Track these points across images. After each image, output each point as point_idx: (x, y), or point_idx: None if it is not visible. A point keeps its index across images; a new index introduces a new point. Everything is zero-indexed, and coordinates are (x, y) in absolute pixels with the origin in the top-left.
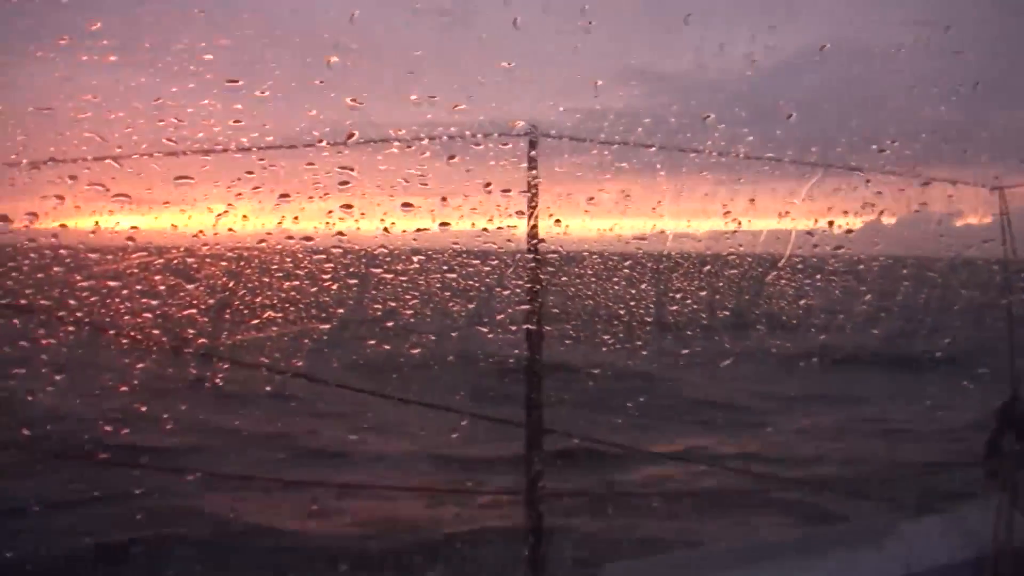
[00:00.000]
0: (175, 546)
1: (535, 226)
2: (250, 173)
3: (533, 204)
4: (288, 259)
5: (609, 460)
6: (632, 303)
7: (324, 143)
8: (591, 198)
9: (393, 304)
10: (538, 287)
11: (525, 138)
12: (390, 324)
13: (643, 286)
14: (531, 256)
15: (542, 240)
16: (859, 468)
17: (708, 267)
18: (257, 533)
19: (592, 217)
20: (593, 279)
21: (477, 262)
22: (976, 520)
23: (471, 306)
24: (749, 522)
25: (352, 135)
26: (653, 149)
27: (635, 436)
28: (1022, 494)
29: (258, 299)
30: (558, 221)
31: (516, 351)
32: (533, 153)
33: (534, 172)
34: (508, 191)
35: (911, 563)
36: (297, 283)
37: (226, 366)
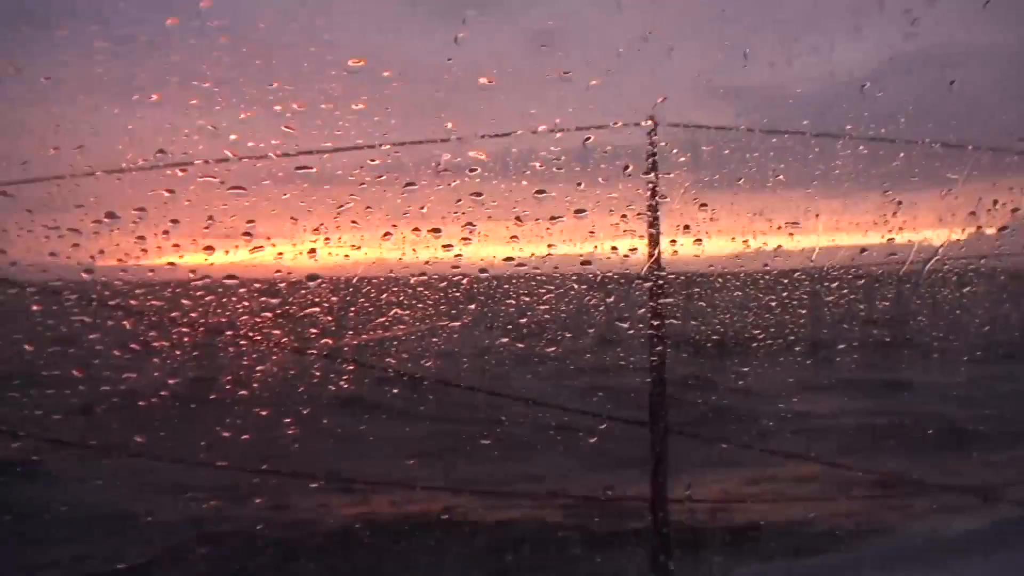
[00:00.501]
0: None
1: (656, 219)
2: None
3: (654, 202)
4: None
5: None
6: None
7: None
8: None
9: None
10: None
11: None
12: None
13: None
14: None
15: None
16: None
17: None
18: (383, 536)
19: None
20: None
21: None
22: None
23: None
24: None
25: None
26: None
27: None
28: None
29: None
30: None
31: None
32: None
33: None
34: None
35: None
36: (424, 278)
37: (351, 367)
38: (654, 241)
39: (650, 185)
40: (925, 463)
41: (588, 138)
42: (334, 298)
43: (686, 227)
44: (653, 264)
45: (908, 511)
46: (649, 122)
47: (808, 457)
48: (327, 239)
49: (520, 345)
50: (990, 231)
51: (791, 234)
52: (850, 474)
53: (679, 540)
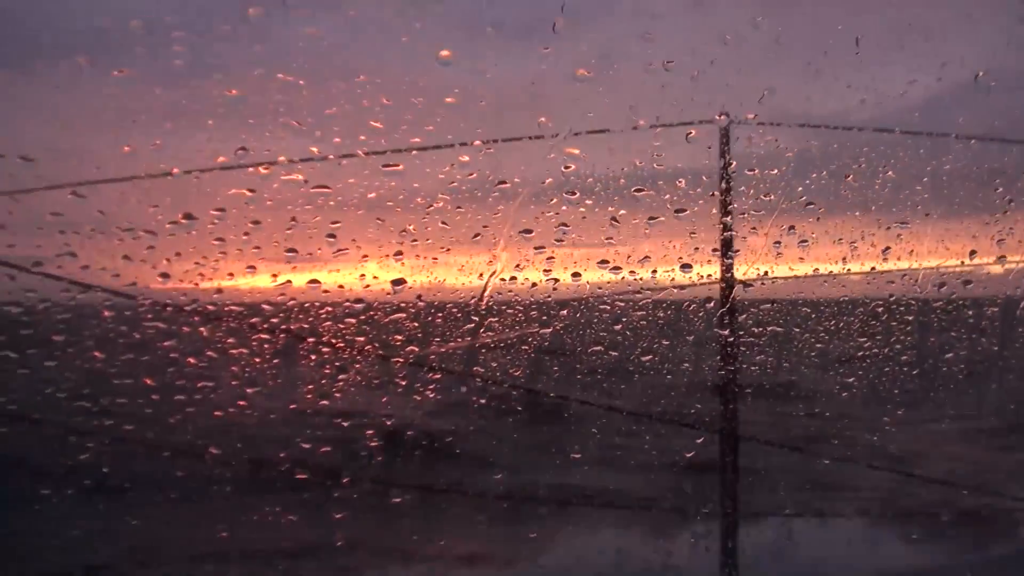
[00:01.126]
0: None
1: (729, 225)
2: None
3: (727, 201)
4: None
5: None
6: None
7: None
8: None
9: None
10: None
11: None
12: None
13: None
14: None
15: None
16: None
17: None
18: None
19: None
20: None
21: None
22: None
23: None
24: None
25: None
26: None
27: None
28: None
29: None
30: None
31: None
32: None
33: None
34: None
35: None
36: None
37: (437, 376)
38: (727, 245)
39: (723, 186)
40: None
41: (689, 132)
42: (421, 303)
43: (791, 227)
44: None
45: None
46: (723, 118)
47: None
48: (415, 240)
49: (614, 353)
50: None
51: (899, 235)
52: None
53: None
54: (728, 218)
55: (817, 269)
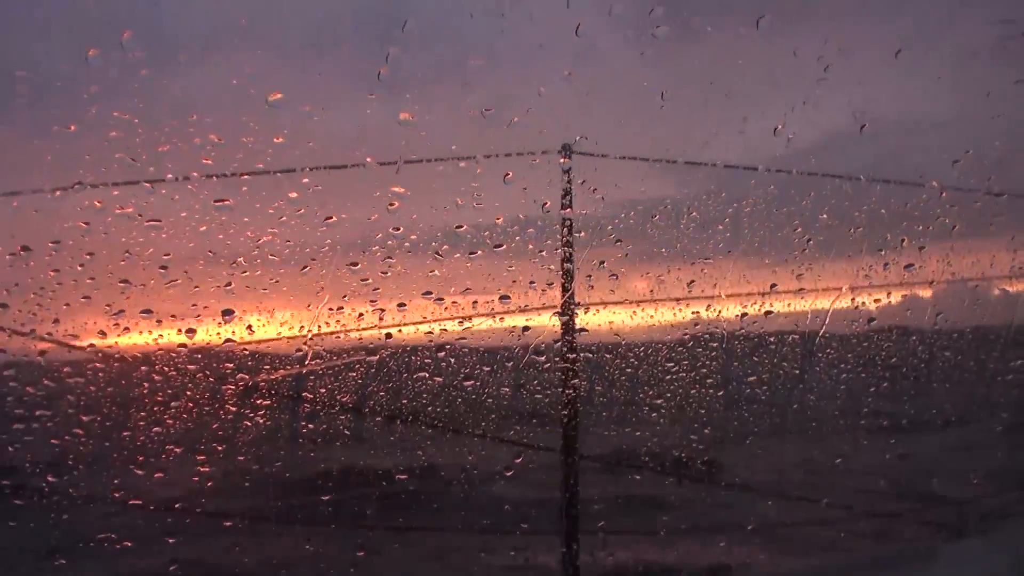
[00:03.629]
0: None
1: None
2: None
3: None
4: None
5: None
6: None
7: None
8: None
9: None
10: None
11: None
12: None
13: None
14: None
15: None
16: None
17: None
18: None
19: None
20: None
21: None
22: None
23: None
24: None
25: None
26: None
27: None
28: None
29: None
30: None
31: None
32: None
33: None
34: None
35: None
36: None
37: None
38: (568, 276)
39: (566, 221)
40: None
41: (507, 174)
42: (250, 332)
43: (601, 262)
44: (568, 297)
45: None
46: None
47: None
48: (244, 272)
49: (438, 379)
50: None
51: (703, 269)
52: None
53: None
54: (567, 250)
55: (626, 300)
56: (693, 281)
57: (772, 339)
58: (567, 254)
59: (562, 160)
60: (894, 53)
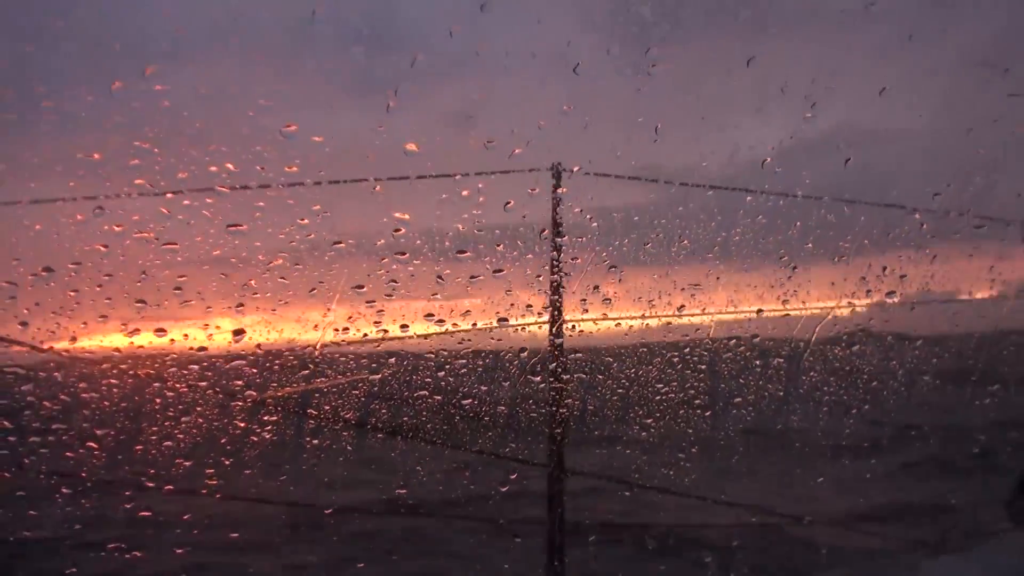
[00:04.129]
0: None
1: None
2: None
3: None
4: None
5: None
6: None
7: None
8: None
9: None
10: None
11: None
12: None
13: None
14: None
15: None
16: None
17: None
18: None
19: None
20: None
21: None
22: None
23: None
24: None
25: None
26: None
27: None
28: None
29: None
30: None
31: None
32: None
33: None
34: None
35: None
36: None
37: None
38: (556, 291)
39: (560, 247)
40: None
41: (508, 203)
42: (260, 351)
43: (595, 287)
44: (562, 320)
45: None
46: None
47: None
48: (255, 294)
49: (438, 397)
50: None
51: (692, 295)
52: None
53: None
54: (556, 276)
55: (619, 323)
56: (683, 306)
57: (759, 362)
58: (561, 279)
59: (560, 190)
60: (878, 91)
